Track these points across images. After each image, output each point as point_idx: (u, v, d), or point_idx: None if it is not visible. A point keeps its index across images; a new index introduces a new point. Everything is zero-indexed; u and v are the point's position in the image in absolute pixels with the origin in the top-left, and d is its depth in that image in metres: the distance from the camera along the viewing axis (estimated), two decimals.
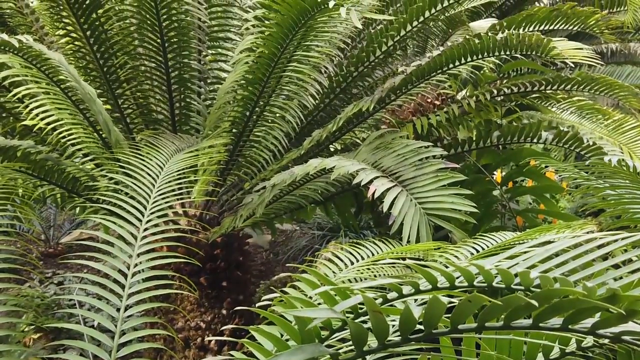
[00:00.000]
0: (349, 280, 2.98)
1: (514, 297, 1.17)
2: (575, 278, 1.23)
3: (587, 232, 3.18)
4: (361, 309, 1.39)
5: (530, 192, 5.53)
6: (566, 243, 1.31)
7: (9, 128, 4.82)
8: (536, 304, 1.15)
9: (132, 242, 2.97)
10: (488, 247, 3.01)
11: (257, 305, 2.03)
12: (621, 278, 1.26)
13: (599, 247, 1.29)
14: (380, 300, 1.36)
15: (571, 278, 1.21)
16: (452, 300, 1.29)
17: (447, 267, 1.37)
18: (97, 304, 2.75)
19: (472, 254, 2.94)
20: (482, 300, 1.20)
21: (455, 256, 2.93)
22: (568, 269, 1.27)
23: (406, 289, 1.36)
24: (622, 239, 1.28)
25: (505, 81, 5.11)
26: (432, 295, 1.24)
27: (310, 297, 2.08)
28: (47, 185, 4.53)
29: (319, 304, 1.64)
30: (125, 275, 2.79)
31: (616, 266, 1.31)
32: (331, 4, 3.41)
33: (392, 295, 1.37)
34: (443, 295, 1.28)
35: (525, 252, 1.36)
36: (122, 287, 2.73)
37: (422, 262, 1.55)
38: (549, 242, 1.38)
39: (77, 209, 4.85)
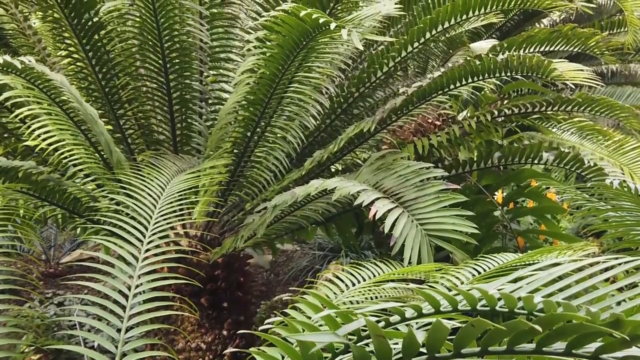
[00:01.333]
0: (351, 302, 2.97)
1: (517, 322, 1.16)
2: (578, 302, 1.23)
3: (589, 254, 3.18)
4: (364, 332, 1.38)
5: (531, 213, 5.52)
6: (569, 267, 1.31)
7: (10, 148, 4.82)
8: (539, 328, 1.14)
9: (133, 263, 2.97)
10: (490, 268, 3.00)
11: (259, 328, 2.02)
12: (625, 301, 1.26)
13: (602, 271, 1.28)
14: (383, 323, 1.36)
15: (575, 302, 1.21)
16: (455, 323, 1.29)
17: (449, 289, 1.36)
18: (98, 325, 2.74)
19: (473, 275, 2.93)
20: (485, 324, 1.20)
21: (457, 277, 2.92)
22: (571, 292, 1.27)
23: (409, 313, 1.36)
24: (625, 262, 1.28)
25: (506, 102, 5.13)
26: (436, 320, 1.23)
27: (311, 318, 2.08)
28: (48, 206, 4.53)
29: (321, 325, 1.64)
30: (126, 297, 2.78)
31: (620, 289, 1.30)
32: (333, 26, 3.42)
33: (394, 318, 1.37)
34: (446, 319, 1.27)
35: (528, 276, 1.35)
36: (123, 308, 2.73)
37: (425, 285, 1.55)
38: (553, 265, 1.38)
39: (78, 229, 4.84)
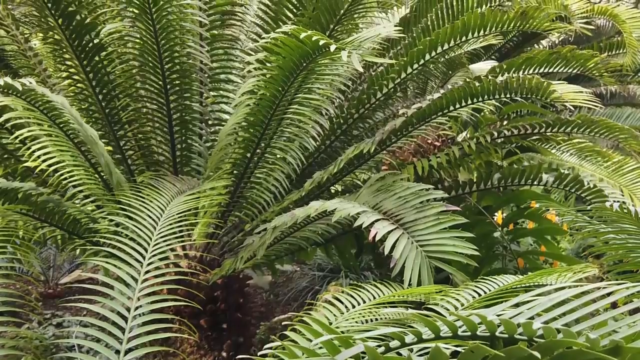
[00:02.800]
0: (351, 324, 2.96)
1: (517, 348, 1.16)
2: (579, 328, 1.22)
3: (590, 276, 3.17)
4: (363, 357, 1.38)
5: (531, 235, 5.52)
6: (570, 292, 1.31)
7: (10, 169, 4.83)
8: (539, 355, 1.14)
9: (133, 284, 2.97)
10: (490, 290, 2.99)
11: (258, 354, 2.02)
12: (624, 327, 1.25)
13: (603, 296, 1.28)
14: (382, 349, 1.35)
15: (575, 328, 1.21)
16: (454, 348, 1.28)
17: (450, 314, 1.36)
18: (96, 347, 2.73)
19: (473, 297, 2.92)
20: (484, 351, 1.19)
21: (457, 299, 2.91)
22: (572, 318, 1.27)
23: (409, 338, 1.35)
24: (627, 288, 1.28)
25: (505, 123, 5.13)
26: (435, 346, 1.23)
27: (311, 342, 2.07)
28: (48, 227, 4.53)
29: (321, 348, 1.63)
30: (125, 318, 2.78)
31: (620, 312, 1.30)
32: (332, 48, 3.43)
33: (394, 343, 1.37)
34: (445, 344, 1.27)
35: (529, 301, 1.35)
36: (122, 330, 2.72)
37: (425, 310, 1.55)
38: (554, 290, 1.38)
39: (78, 250, 4.84)
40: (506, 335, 1.25)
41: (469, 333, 1.30)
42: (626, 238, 3.19)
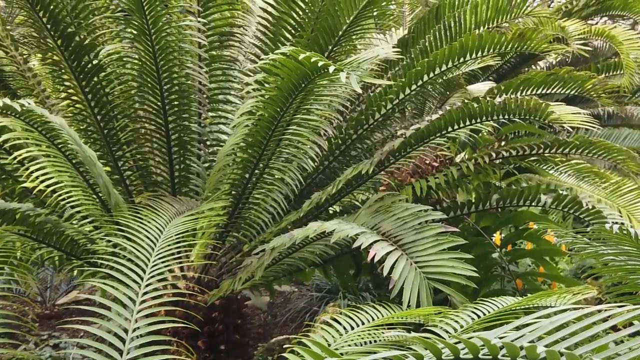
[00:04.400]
0: (350, 346, 2.95)
1: None
2: (581, 351, 1.22)
3: (588, 297, 3.17)
4: None
5: (530, 256, 5.51)
6: (572, 315, 1.30)
7: (8, 190, 4.82)
8: None
9: (130, 305, 2.96)
10: (489, 312, 2.98)
11: None
12: (629, 350, 1.25)
13: (603, 320, 1.28)
14: None
15: (577, 351, 1.20)
16: None
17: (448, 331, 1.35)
18: None
19: (473, 319, 2.91)
20: None
21: (456, 321, 2.90)
22: (574, 342, 1.26)
23: None
24: (627, 311, 1.27)
25: (503, 144, 5.14)
26: None
27: None
28: (46, 248, 4.52)
29: None
30: (123, 340, 2.76)
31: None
32: (331, 69, 3.44)
33: None
34: None
35: (531, 324, 1.35)
36: (120, 352, 2.71)
37: (424, 332, 1.54)
38: (556, 313, 1.37)
39: (75, 271, 4.82)
40: (509, 359, 1.25)
41: (471, 356, 1.29)
42: (625, 260, 3.19)
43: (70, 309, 7.07)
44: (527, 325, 1.36)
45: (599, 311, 1.32)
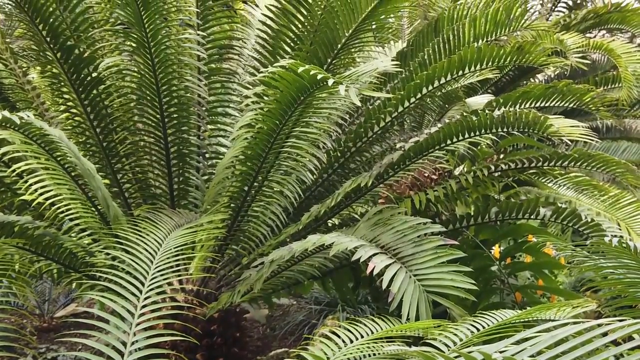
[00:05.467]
0: (349, 359, 2.94)
1: None
2: None
3: (588, 311, 3.16)
4: None
5: (529, 269, 5.51)
6: (571, 329, 1.30)
7: (7, 202, 4.81)
8: None
9: (129, 318, 2.95)
10: (488, 325, 2.98)
11: None
12: None
13: (605, 334, 1.27)
14: None
15: None
16: None
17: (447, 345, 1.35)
18: None
19: (472, 332, 2.91)
20: None
21: (456, 334, 2.89)
22: (574, 356, 1.26)
23: None
24: (628, 325, 1.27)
25: (502, 157, 5.14)
26: None
27: None
28: (44, 261, 4.51)
29: None
30: (121, 354, 2.76)
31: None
32: (330, 82, 3.44)
33: None
34: None
35: (531, 337, 1.34)
36: None
37: (423, 345, 1.54)
38: (555, 327, 1.37)
39: (74, 284, 4.81)
40: None
41: None
42: (624, 273, 3.19)
43: (68, 322, 7.05)
44: (528, 339, 1.36)
45: (599, 325, 1.31)
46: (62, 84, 4.74)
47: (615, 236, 3.48)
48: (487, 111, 4.25)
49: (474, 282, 3.51)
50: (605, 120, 8.04)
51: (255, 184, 4.53)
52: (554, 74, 9.08)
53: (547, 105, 4.76)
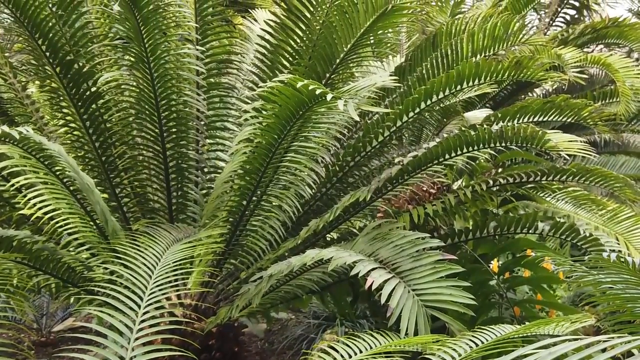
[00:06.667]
0: None
1: None
2: None
3: (586, 325, 3.16)
4: None
5: (527, 283, 5.49)
6: (571, 345, 1.30)
7: (5, 217, 4.81)
8: None
9: (127, 333, 2.95)
10: (487, 340, 2.97)
11: None
12: None
13: (604, 350, 1.27)
14: None
15: None
16: None
17: None
18: None
19: (471, 347, 2.91)
20: None
21: (454, 349, 2.89)
22: None
23: None
24: (627, 342, 1.27)
25: (500, 171, 5.15)
26: None
27: None
28: (43, 275, 4.50)
29: None
30: None
31: None
32: (329, 97, 3.45)
33: None
34: None
35: (530, 354, 1.34)
36: None
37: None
38: (555, 343, 1.37)
39: (72, 298, 4.80)
40: None
41: None
42: (623, 288, 3.19)
43: (66, 337, 7.04)
44: (526, 355, 1.36)
45: (598, 342, 1.32)
46: (61, 98, 4.75)
47: (614, 250, 3.49)
48: (485, 126, 4.26)
49: (472, 296, 3.52)
50: (603, 134, 8.05)
51: (254, 198, 4.53)
52: (552, 88, 9.10)
53: (545, 119, 4.77)
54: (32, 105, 5.17)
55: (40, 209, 4.03)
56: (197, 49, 4.85)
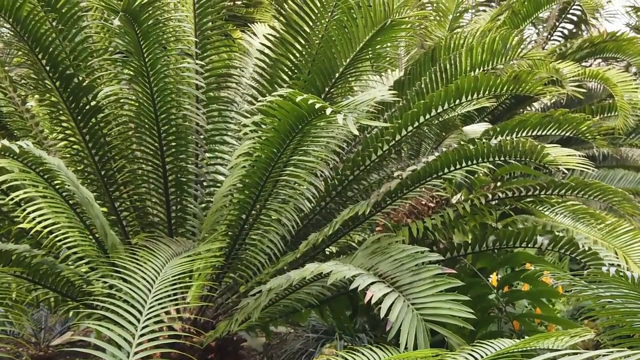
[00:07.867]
0: None
1: None
2: None
3: (586, 340, 3.16)
4: None
5: (526, 297, 5.50)
6: None
7: (5, 231, 4.81)
8: None
9: (126, 347, 2.95)
10: (487, 354, 2.97)
11: None
12: None
13: None
14: None
15: None
16: None
17: None
18: None
19: None
20: None
21: None
22: None
23: None
24: (627, 356, 1.28)
25: (499, 185, 5.15)
26: None
27: None
28: (41, 289, 4.50)
29: None
30: None
31: None
32: (328, 111, 3.46)
33: None
34: None
35: None
36: None
37: None
38: (555, 358, 1.37)
39: (71, 312, 4.80)
40: None
41: None
42: (622, 302, 3.19)
43: (64, 351, 7.03)
44: None
45: (598, 355, 1.32)
46: (61, 112, 4.76)
47: (613, 264, 3.49)
48: (484, 140, 4.27)
49: (471, 310, 3.52)
50: (602, 148, 8.04)
51: (253, 212, 4.54)
52: (551, 102, 9.11)
53: (543, 133, 4.78)
54: (32, 119, 5.17)
55: (39, 222, 4.04)
56: (197, 63, 4.86)
